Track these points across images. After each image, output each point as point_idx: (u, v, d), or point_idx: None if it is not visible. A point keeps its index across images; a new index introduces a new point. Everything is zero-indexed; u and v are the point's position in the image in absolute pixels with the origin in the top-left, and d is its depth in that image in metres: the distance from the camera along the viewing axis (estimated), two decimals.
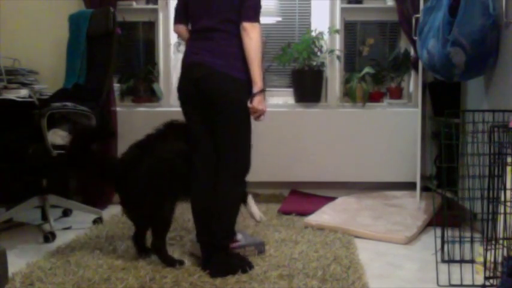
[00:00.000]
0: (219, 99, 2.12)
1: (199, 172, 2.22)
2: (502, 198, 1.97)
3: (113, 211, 3.20)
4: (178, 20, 2.34)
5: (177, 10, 2.34)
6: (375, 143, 3.59)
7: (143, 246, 2.37)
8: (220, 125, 2.15)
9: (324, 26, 3.70)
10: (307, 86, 3.66)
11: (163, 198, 2.20)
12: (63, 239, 2.66)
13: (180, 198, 2.30)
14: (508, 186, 1.95)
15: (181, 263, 2.21)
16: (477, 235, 2.31)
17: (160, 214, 2.20)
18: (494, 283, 1.99)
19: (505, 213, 1.96)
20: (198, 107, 2.19)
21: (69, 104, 2.81)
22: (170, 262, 2.21)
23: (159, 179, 2.20)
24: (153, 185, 2.19)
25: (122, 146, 2.46)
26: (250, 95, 2.12)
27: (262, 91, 2.13)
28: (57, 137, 2.79)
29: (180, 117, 2.42)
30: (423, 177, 3.43)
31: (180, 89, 2.24)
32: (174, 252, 2.39)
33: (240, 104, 2.13)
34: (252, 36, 2.09)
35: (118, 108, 3.58)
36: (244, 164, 2.22)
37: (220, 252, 2.15)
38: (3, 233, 2.82)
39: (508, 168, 1.96)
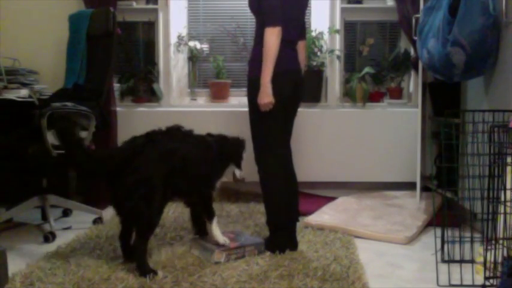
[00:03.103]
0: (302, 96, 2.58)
1: (290, 157, 2.55)
2: (502, 198, 1.97)
3: (113, 211, 3.18)
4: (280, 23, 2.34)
5: (279, 13, 2.34)
6: (375, 143, 3.59)
7: (130, 248, 2.30)
8: (293, 118, 2.59)
9: (324, 26, 3.70)
10: (307, 86, 3.66)
11: (153, 197, 2.14)
12: (63, 239, 2.66)
13: (170, 199, 2.30)
14: (508, 186, 1.95)
15: (155, 273, 2.09)
16: (477, 235, 2.30)
17: (147, 213, 2.13)
18: (494, 283, 1.99)
19: (505, 213, 1.96)
20: (293, 104, 2.52)
21: (69, 104, 2.80)
22: (144, 270, 2.09)
23: (152, 177, 2.14)
24: (144, 182, 2.12)
25: None
26: None
27: None
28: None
29: (180, 118, 2.42)
30: (423, 177, 3.43)
31: (287, 91, 2.41)
32: (175, 252, 2.39)
33: None
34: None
35: (118, 108, 3.58)
36: None
37: None
38: (3, 233, 2.82)
39: (508, 168, 1.97)
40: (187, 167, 2.27)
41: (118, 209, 2.23)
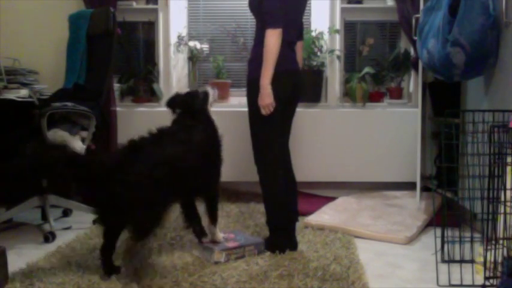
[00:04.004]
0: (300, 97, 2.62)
1: (288, 158, 2.63)
2: (502, 198, 1.97)
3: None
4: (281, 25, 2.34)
5: (280, 14, 2.33)
6: (375, 143, 3.59)
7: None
8: (292, 118, 2.65)
9: (324, 26, 3.70)
10: (307, 86, 3.66)
11: (157, 204, 2.05)
12: (63, 239, 2.66)
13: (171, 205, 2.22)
14: (508, 186, 1.95)
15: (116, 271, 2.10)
16: (477, 235, 2.31)
17: (146, 218, 2.03)
18: (494, 283, 1.99)
19: (505, 213, 1.96)
20: (292, 104, 2.57)
21: (69, 104, 2.81)
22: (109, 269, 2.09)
23: (153, 184, 2.01)
24: (147, 191, 2.00)
25: None
26: None
27: None
28: (57, 137, 2.79)
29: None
30: (423, 177, 3.43)
31: (287, 91, 2.43)
32: (174, 252, 2.39)
33: None
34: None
35: (118, 108, 3.58)
36: None
37: None
38: (3, 233, 2.82)
39: (508, 168, 1.97)
40: (181, 166, 2.15)
41: (108, 220, 2.11)
